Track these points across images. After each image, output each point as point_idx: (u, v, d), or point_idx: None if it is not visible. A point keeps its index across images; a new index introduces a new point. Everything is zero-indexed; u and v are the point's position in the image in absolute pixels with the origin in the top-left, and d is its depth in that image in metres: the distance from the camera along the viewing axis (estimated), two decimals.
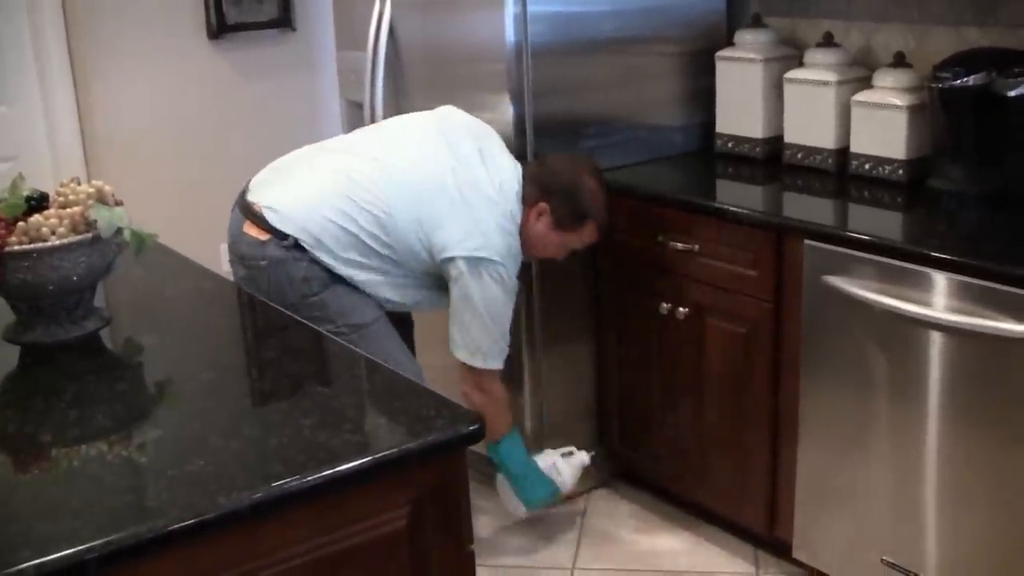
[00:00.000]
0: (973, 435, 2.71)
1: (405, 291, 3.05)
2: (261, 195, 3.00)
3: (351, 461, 1.71)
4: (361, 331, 2.93)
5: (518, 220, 3.08)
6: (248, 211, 2.97)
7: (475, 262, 2.96)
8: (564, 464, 3.48)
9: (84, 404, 2.01)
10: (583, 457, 3.51)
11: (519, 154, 3.35)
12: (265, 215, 2.93)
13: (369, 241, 2.93)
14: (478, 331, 3.04)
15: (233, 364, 2.32)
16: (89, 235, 2.18)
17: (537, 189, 3.11)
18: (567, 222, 3.13)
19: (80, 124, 4.79)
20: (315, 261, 2.91)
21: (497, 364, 3.12)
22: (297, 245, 2.90)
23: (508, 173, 3.10)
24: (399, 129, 3.19)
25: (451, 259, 2.96)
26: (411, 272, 3.02)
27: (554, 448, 3.54)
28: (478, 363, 3.08)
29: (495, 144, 3.16)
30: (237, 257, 3.00)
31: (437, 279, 3.05)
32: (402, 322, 3.28)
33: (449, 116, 3.20)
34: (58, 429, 1.90)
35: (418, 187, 2.97)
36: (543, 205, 3.10)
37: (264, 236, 2.92)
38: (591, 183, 3.16)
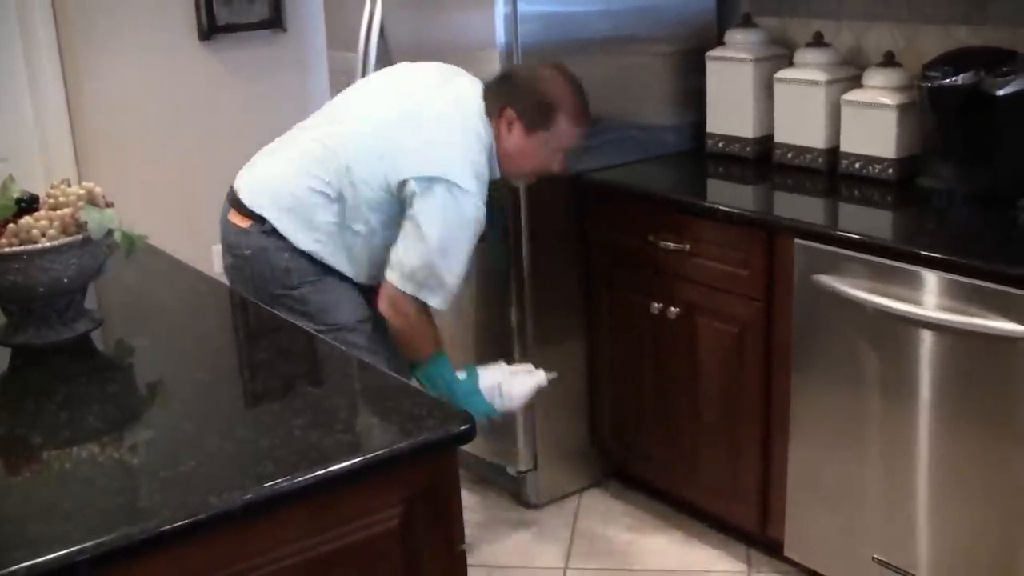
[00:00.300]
0: (964, 433, 2.72)
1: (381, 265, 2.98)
2: (241, 178, 3.04)
3: (343, 461, 1.71)
4: (339, 333, 2.87)
5: (485, 139, 2.94)
6: (232, 197, 3.01)
7: (427, 181, 2.82)
8: (514, 384, 3.18)
9: (75, 406, 2.01)
10: (539, 378, 3.23)
11: None
12: (240, 196, 2.97)
13: (339, 205, 2.90)
14: (417, 256, 2.85)
15: (224, 365, 2.32)
16: (80, 237, 2.17)
17: (499, 98, 2.97)
18: (537, 120, 2.95)
19: (71, 124, 4.79)
20: (298, 252, 2.90)
21: (435, 301, 2.92)
22: (276, 232, 2.90)
23: (466, 89, 3.01)
24: (359, 88, 3.19)
25: (404, 182, 2.84)
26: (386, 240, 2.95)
27: (514, 365, 3.32)
28: (408, 289, 2.88)
29: (454, 71, 3.09)
30: (225, 246, 3.03)
31: None
32: None
33: (407, 64, 3.20)
34: (50, 431, 1.90)
35: (376, 127, 2.94)
36: (509, 112, 2.95)
37: (246, 223, 2.94)
38: (551, 72, 3.03)
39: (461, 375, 3.12)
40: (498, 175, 3.01)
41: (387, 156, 2.86)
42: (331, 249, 2.93)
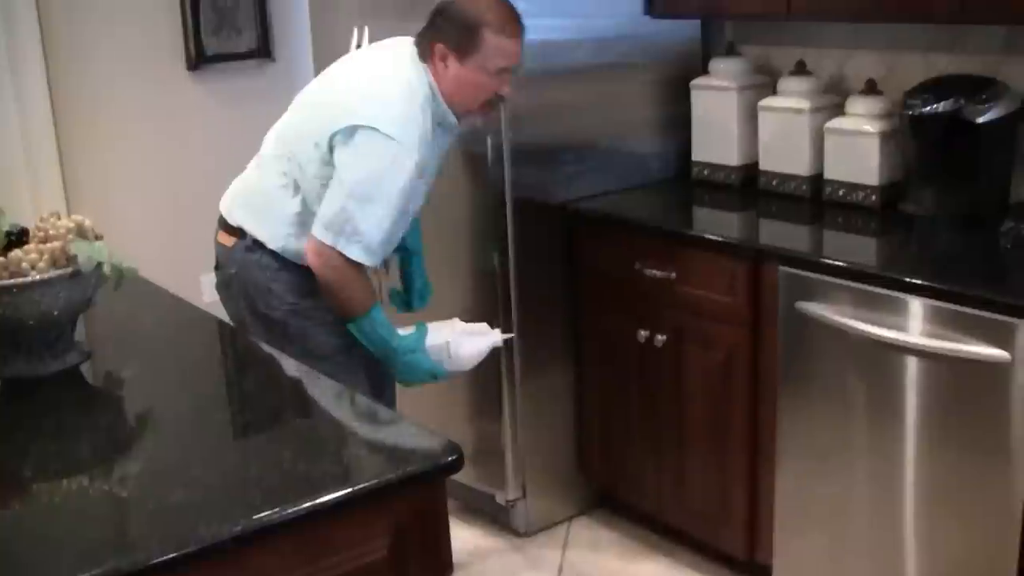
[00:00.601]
0: (950, 458, 2.74)
1: None
2: (224, 197, 3.08)
3: (331, 492, 1.72)
4: (315, 362, 2.72)
5: (422, 88, 2.83)
6: (219, 217, 3.04)
7: (349, 131, 2.75)
8: (463, 343, 3.01)
9: (65, 437, 2.02)
10: (493, 339, 3.08)
11: (496, 179, 3.41)
12: (223, 212, 3.01)
13: (300, 194, 2.89)
14: (334, 202, 2.77)
15: (213, 395, 2.34)
16: (69, 270, 2.19)
17: (428, 38, 2.85)
18: (466, 44, 2.80)
19: (59, 154, 4.80)
20: (278, 269, 2.90)
21: (353, 252, 2.79)
22: (257, 244, 2.91)
23: (401, 44, 2.93)
24: (316, 79, 3.16)
25: (332, 139, 2.79)
26: None
27: (470, 324, 3.11)
28: (327, 239, 2.78)
29: (399, 40, 2.99)
30: (216, 267, 3.06)
31: None
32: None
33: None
34: (40, 463, 1.91)
35: (314, 104, 2.96)
36: (439, 47, 2.82)
37: (230, 241, 2.97)
38: None
39: (409, 330, 2.98)
40: (454, 120, 2.90)
41: (317, 122, 2.84)
42: (303, 241, 2.89)
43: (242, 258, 2.94)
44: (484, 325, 3.11)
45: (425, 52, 2.85)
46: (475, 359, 3.05)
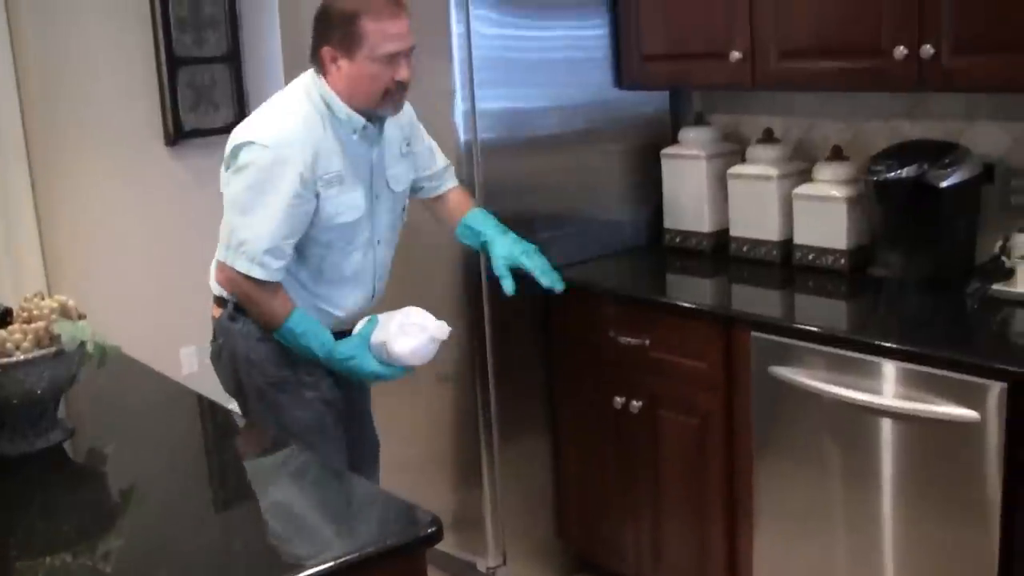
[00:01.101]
0: (926, 517, 2.77)
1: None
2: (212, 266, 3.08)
3: (313, 566, 1.75)
4: (293, 437, 2.76)
5: (304, 97, 2.84)
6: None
7: (233, 153, 2.79)
8: (398, 341, 2.85)
9: (49, 515, 2.04)
10: (431, 334, 2.88)
11: (471, 251, 3.42)
12: (210, 281, 3.01)
13: None
14: (225, 222, 2.82)
15: (194, 470, 2.37)
16: (53, 349, 2.23)
17: (315, 47, 2.84)
18: (349, 40, 2.78)
19: (39, 228, 4.84)
20: (261, 340, 2.90)
21: (243, 266, 2.78)
22: (239, 311, 2.91)
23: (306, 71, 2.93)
24: None
25: (226, 169, 2.83)
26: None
27: (413, 317, 2.92)
28: (221, 256, 2.83)
29: None
30: (211, 337, 3.06)
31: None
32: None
33: None
34: (24, 541, 1.94)
35: None
36: (327, 50, 2.81)
37: (218, 312, 2.99)
38: None
39: (361, 326, 2.91)
40: (361, 120, 2.86)
41: None
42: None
43: (227, 327, 2.96)
44: (427, 317, 2.90)
45: (317, 63, 2.85)
46: (418, 356, 2.88)
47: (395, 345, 2.83)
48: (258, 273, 2.77)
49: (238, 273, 2.79)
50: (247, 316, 2.90)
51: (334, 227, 2.86)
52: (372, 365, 2.86)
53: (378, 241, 2.98)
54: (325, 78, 2.84)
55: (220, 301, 2.97)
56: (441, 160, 3.24)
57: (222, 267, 2.84)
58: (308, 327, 2.85)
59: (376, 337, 2.86)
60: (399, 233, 3.12)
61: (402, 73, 2.82)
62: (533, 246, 3.13)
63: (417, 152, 3.15)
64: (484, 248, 3.15)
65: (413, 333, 2.85)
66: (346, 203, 2.85)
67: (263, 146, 2.74)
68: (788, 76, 3.29)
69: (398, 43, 2.79)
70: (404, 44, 2.81)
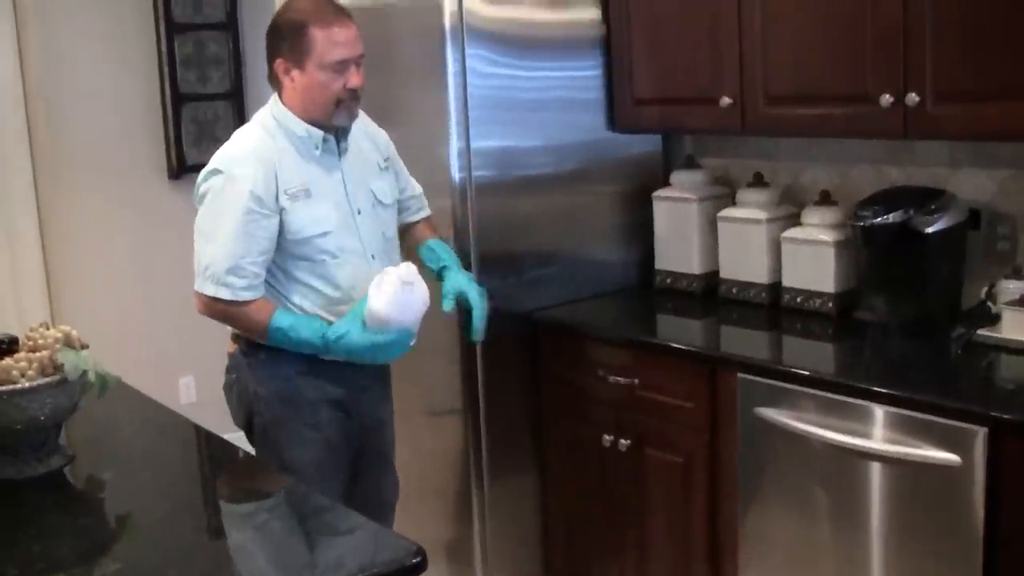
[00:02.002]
0: (910, 560, 2.80)
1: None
2: None
3: None
4: (291, 473, 2.84)
5: (268, 116, 2.91)
6: None
7: (196, 189, 2.89)
8: (374, 299, 2.80)
9: (48, 538, 2.09)
10: (401, 275, 2.81)
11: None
12: None
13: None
14: (196, 253, 2.86)
15: (188, 498, 2.42)
16: (56, 378, 2.30)
17: (269, 62, 2.91)
18: (298, 50, 2.83)
19: (44, 258, 4.90)
20: (271, 378, 2.94)
21: (210, 289, 2.81)
22: (251, 347, 2.95)
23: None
24: None
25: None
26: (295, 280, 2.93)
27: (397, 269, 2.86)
28: (195, 286, 2.86)
29: None
30: (226, 370, 3.09)
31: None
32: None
33: None
34: (24, 563, 1.99)
35: None
36: (279, 63, 2.87)
37: (232, 348, 3.03)
38: (285, 3, 2.94)
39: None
40: (320, 133, 2.89)
41: None
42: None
43: (239, 362, 3.00)
44: (401, 268, 2.84)
45: (274, 78, 2.91)
46: (399, 306, 2.81)
47: (374, 303, 2.79)
48: (224, 294, 2.80)
49: (208, 298, 2.83)
50: (258, 353, 2.93)
51: (308, 241, 2.86)
52: (366, 337, 2.81)
53: (372, 256, 2.97)
54: (281, 95, 2.90)
55: (235, 337, 3.01)
56: (417, 187, 3.28)
57: (196, 296, 2.87)
58: (294, 320, 2.85)
59: (366, 310, 2.82)
60: (400, 250, 3.13)
61: (353, 80, 2.86)
62: (484, 289, 3.12)
63: (397, 171, 3.18)
64: (440, 273, 3.13)
65: (386, 286, 2.80)
66: (313, 216, 2.86)
67: (215, 172, 2.82)
68: (777, 122, 3.37)
69: (346, 50, 2.84)
70: (352, 51, 2.86)
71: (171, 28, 5.07)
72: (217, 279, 2.80)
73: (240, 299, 2.81)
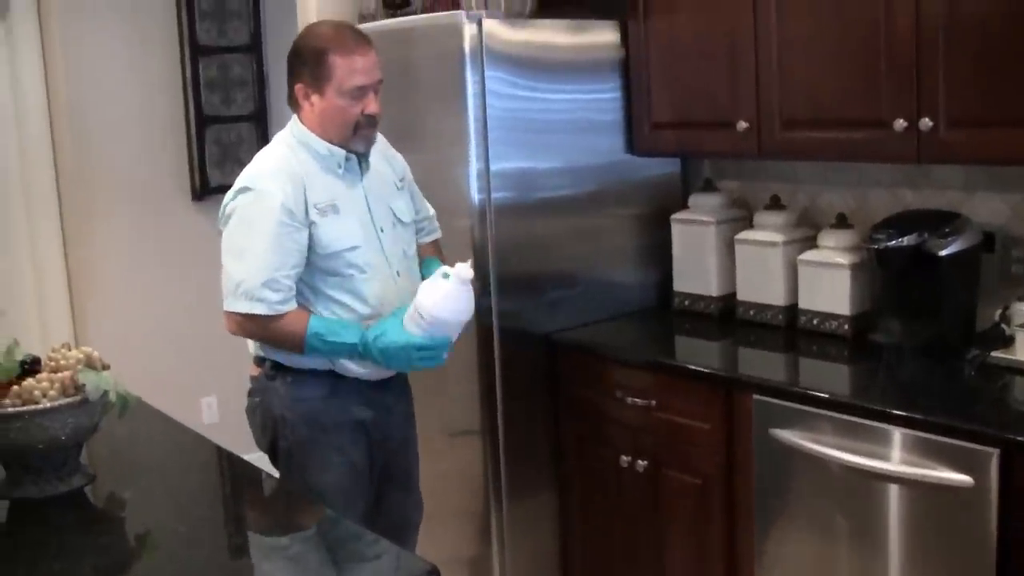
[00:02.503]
0: None
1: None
2: None
3: None
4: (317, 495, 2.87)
5: (290, 135, 2.96)
6: None
7: (221, 211, 2.92)
8: (427, 292, 2.81)
9: (69, 557, 2.13)
10: (460, 273, 2.78)
11: (483, 310, 3.49)
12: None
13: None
14: (223, 274, 2.88)
15: (208, 517, 2.46)
16: (78, 398, 2.34)
17: (290, 85, 2.96)
18: (318, 75, 2.88)
19: (68, 278, 4.97)
20: (297, 401, 2.96)
21: (244, 307, 2.82)
22: (276, 370, 2.98)
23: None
24: None
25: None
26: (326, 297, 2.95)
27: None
28: (225, 306, 2.87)
29: None
30: (248, 392, 3.11)
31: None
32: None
33: None
34: None
35: None
36: (299, 87, 2.92)
37: (256, 371, 3.06)
38: (309, 26, 3.04)
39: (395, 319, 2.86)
40: (342, 152, 2.94)
41: None
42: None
43: (264, 386, 3.03)
44: (444, 270, 2.83)
45: (294, 101, 2.96)
46: (450, 302, 2.79)
47: (424, 299, 2.78)
48: (259, 309, 2.81)
49: (242, 316, 2.84)
50: (284, 376, 2.96)
51: (337, 255, 2.89)
52: (404, 336, 2.79)
53: (397, 272, 3.00)
54: (300, 116, 2.95)
55: (259, 360, 3.03)
56: (430, 209, 3.30)
57: (227, 316, 2.88)
58: (331, 325, 2.86)
59: (412, 306, 2.81)
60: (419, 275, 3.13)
61: (371, 107, 2.91)
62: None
63: (412, 193, 3.21)
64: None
65: (439, 283, 2.79)
66: (341, 230, 2.89)
67: (244, 190, 2.85)
68: (793, 146, 3.39)
69: (365, 77, 2.88)
70: (371, 78, 2.90)
71: (196, 51, 5.14)
72: (251, 295, 2.81)
73: (277, 312, 2.82)
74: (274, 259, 2.81)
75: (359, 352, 2.85)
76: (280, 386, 2.98)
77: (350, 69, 2.86)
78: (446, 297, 2.78)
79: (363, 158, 3.00)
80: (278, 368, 2.98)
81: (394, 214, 3.05)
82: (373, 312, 2.92)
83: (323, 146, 2.92)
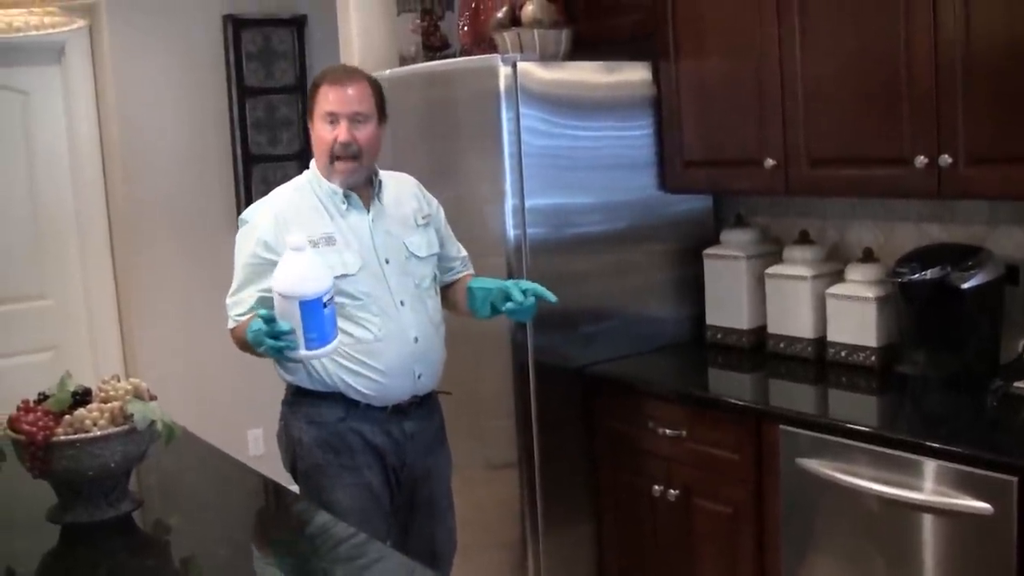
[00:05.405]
0: None
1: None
2: None
3: None
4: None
5: (310, 169, 3.13)
6: None
7: None
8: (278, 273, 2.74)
9: None
10: (289, 243, 2.73)
11: (519, 345, 3.60)
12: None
13: None
14: None
15: (249, 543, 2.57)
16: (126, 427, 2.45)
17: None
18: (310, 105, 3.07)
19: (119, 315, 5.10)
20: (312, 423, 3.04)
21: (230, 324, 3.03)
22: (296, 395, 3.09)
23: None
24: None
25: None
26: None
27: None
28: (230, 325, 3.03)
29: None
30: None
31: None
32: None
33: None
34: None
35: None
36: (308, 123, 3.12)
37: (282, 397, 3.17)
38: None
39: None
40: (335, 187, 3.04)
41: None
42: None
43: (285, 411, 3.15)
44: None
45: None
46: (292, 276, 2.69)
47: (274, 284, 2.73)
48: (231, 324, 3.03)
49: (230, 331, 3.04)
50: (301, 400, 3.07)
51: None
52: (257, 322, 2.73)
53: (401, 302, 3.07)
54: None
55: (287, 386, 3.14)
56: (463, 251, 3.37)
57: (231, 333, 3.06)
58: (252, 324, 2.80)
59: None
60: (437, 306, 3.20)
61: (339, 134, 2.99)
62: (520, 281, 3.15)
63: (444, 237, 3.28)
64: (487, 298, 3.14)
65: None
66: (334, 260, 2.95)
67: (242, 221, 3.10)
68: (819, 183, 3.47)
69: (338, 105, 3.01)
70: (344, 108, 3.01)
71: (243, 92, 5.30)
72: (228, 312, 3.03)
73: (237, 324, 2.99)
74: (245, 282, 3.01)
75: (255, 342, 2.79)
76: (298, 410, 3.10)
77: (326, 96, 3.02)
78: (280, 268, 2.71)
79: (374, 196, 3.11)
80: (296, 393, 3.10)
81: (407, 248, 3.14)
82: (373, 339, 3.02)
83: (325, 184, 3.06)
